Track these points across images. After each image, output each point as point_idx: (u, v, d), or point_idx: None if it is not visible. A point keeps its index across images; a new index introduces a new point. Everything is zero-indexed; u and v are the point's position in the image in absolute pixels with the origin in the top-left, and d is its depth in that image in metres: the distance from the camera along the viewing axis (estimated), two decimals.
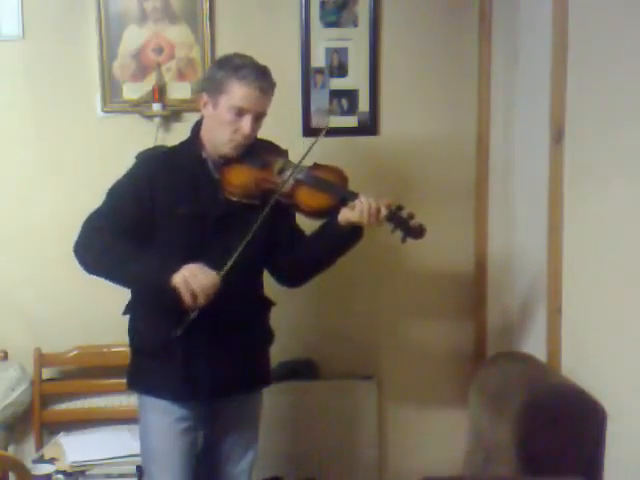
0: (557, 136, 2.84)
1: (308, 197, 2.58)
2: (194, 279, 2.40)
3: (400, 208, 2.57)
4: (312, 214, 2.61)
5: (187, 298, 2.41)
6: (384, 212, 2.52)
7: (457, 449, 3.12)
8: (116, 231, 2.50)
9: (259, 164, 2.60)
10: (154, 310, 2.59)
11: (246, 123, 2.52)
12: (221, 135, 2.55)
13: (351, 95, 3.44)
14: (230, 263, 2.45)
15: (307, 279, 2.73)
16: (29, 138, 3.34)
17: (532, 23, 3.16)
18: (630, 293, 2.49)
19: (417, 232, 2.58)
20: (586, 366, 2.71)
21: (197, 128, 2.65)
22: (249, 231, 2.48)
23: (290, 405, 3.42)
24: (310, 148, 2.58)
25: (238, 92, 2.50)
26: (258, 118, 2.55)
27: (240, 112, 2.51)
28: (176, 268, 2.42)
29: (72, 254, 2.54)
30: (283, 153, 2.67)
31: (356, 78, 3.43)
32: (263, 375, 2.78)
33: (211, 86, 2.56)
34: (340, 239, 2.58)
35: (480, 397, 2.97)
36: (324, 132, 2.64)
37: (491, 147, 3.45)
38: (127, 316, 2.70)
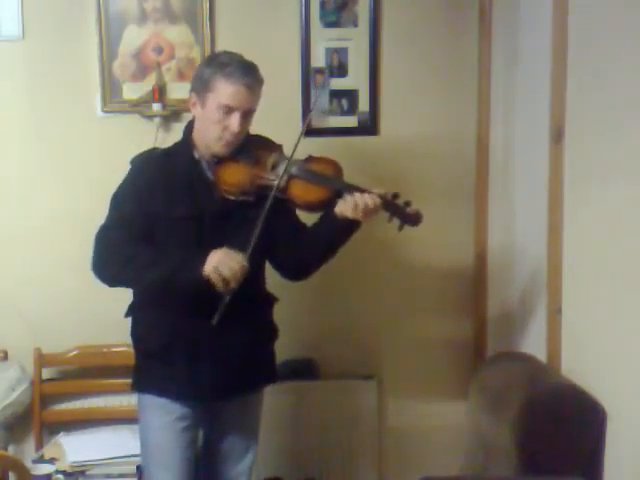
0: (557, 136, 2.84)
1: (303, 191, 2.58)
2: (223, 266, 2.41)
3: (396, 196, 2.57)
4: (307, 208, 2.62)
5: (220, 286, 2.42)
6: (379, 203, 2.52)
7: (457, 449, 3.12)
8: (129, 240, 2.51)
9: (252, 160, 2.59)
10: (155, 311, 2.60)
11: (234, 121, 2.51)
12: (211, 134, 2.55)
13: (351, 95, 3.44)
14: (252, 244, 2.46)
15: (311, 272, 2.72)
16: (29, 138, 3.34)
17: (532, 23, 3.16)
18: (630, 293, 2.49)
19: (414, 219, 2.58)
20: (586, 366, 2.71)
21: (189, 129, 2.65)
22: (254, 228, 2.48)
23: (290, 405, 3.42)
24: (298, 140, 2.57)
25: (225, 90, 2.49)
26: (247, 115, 2.54)
27: (228, 110, 2.51)
28: (203, 259, 2.43)
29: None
30: (276, 148, 2.66)
31: (356, 78, 3.43)
32: (268, 372, 2.78)
33: (199, 85, 2.55)
34: (337, 231, 2.58)
35: (480, 397, 2.97)
36: (309, 119, 2.63)
37: (491, 147, 3.45)
38: (128, 318, 2.70)
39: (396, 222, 2.58)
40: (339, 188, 2.56)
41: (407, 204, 2.58)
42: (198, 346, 2.58)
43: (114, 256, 2.51)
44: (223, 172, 2.58)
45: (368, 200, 2.50)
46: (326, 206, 2.57)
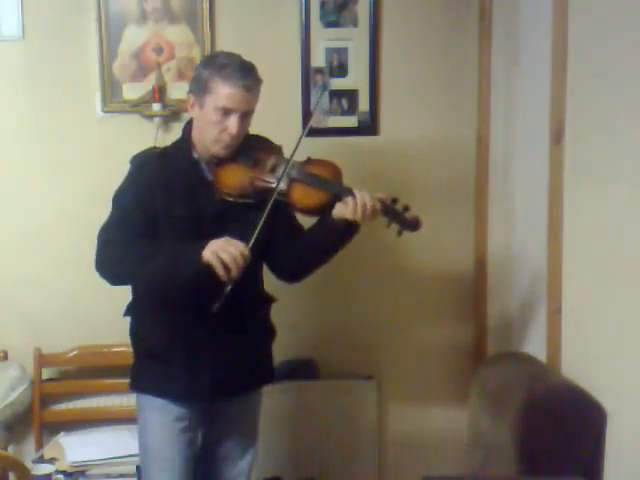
0: (557, 136, 2.84)
1: (302, 195, 2.56)
2: (224, 252, 2.38)
3: (395, 201, 2.56)
4: (306, 212, 2.61)
5: (220, 271, 2.39)
6: (379, 207, 2.51)
7: (457, 449, 3.12)
8: (129, 237, 2.49)
9: (251, 162, 2.58)
10: (154, 311, 2.60)
11: (233, 123, 2.50)
12: (209, 136, 2.54)
13: (351, 95, 3.45)
14: (254, 236, 2.44)
15: (306, 274, 2.71)
16: (29, 138, 3.34)
17: (532, 23, 3.16)
18: (630, 293, 2.49)
19: (413, 224, 2.57)
20: (586, 366, 2.70)
21: (188, 129, 2.64)
22: (251, 230, 2.46)
23: (290, 405, 3.42)
24: (298, 143, 2.56)
25: (223, 92, 2.48)
26: (245, 116, 2.53)
27: (226, 112, 2.49)
28: (202, 245, 2.41)
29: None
30: (276, 149, 2.65)
31: (356, 78, 3.43)
32: (266, 372, 2.78)
33: (197, 87, 2.54)
34: (336, 234, 2.57)
35: (480, 397, 2.97)
36: (310, 125, 2.63)
37: (491, 147, 3.45)
38: (127, 317, 2.70)
39: (395, 227, 2.57)
40: (339, 192, 2.54)
41: (406, 209, 2.56)
42: (198, 345, 2.58)
43: (114, 253, 2.50)
44: (222, 174, 2.57)
45: (368, 201, 2.50)
46: (325, 210, 2.55)
